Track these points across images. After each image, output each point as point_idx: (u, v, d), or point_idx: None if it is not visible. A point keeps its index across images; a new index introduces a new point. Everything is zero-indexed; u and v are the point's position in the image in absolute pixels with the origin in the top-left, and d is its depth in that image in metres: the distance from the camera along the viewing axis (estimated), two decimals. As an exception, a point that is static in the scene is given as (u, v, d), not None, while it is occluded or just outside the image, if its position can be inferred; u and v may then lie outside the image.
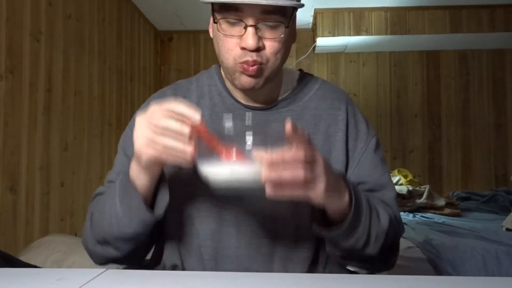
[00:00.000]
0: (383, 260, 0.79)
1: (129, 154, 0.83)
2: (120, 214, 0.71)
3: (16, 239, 1.88)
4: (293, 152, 0.58)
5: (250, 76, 0.75)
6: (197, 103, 0.85)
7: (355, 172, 0.84)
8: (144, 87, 3.66)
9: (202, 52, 4.13)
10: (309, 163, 0.60)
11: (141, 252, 0.82)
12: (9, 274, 0.66)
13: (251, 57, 0.73)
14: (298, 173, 0.58)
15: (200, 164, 0.63)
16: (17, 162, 1.90)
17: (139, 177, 0.70)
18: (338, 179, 0.68)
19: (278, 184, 0.58)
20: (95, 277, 0.62)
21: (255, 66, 0.74)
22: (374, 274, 0.78)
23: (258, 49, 0.73)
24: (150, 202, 0.74)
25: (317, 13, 3.68)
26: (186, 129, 0.61)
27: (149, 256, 0.88)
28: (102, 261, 0.80)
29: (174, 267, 0.82)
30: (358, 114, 0.89)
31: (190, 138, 0.61)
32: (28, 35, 1.99)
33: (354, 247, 0.72)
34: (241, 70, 0.75)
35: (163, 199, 0.74)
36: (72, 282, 0.60)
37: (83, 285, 0.58)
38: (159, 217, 0.73)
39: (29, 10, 2.00)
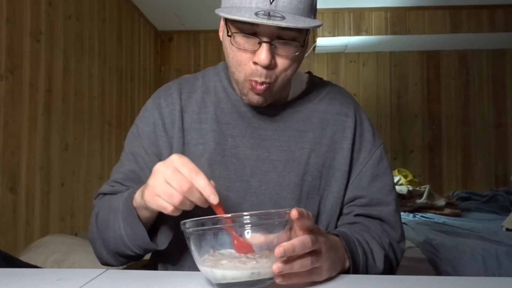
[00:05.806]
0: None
1: (134, 152, 0.83)
2: (124, 237, 0.73)
3: (16, 239, 1.88)
4: (302, 243, 0.56)
5: (257, 94, 0.75)
6: (202, 98, 0.84)
7: (355, 183, 0.83)
8: (144, 87, 3.66)
9: (202, 52, 4.13)
10: (315, 252, 0.59)
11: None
12: (9, 274, 0.66)
13: (260, 77, 0.73)
14: (305, 263, 0.57)
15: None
16: (17, 162, 1.90)
17: (142, 211, 0.71)
18: (339, 255, 0.67)
19: (288, 274, 0.56)
20: (95, 277, 0.62)
21: (264, 86, 0.74)
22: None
23: (270, 66, 0.73)
24: (151, 226, 0.75)
25: (317, 13, 3.68)
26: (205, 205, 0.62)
27: (148, 256, 0.88)
28: (107, 262, 0.81)
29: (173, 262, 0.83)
30: (365, 121, 0.88)
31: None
32: (28, 35, 1.99)
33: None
34: (250, 87, 0.75)
35: (167, 234, 0.75)
36: (72, 282, 0.60)
37: (83, 285, 0.58)
38: (162, 247, 0.74)
39: (29, 10, 2.00)
